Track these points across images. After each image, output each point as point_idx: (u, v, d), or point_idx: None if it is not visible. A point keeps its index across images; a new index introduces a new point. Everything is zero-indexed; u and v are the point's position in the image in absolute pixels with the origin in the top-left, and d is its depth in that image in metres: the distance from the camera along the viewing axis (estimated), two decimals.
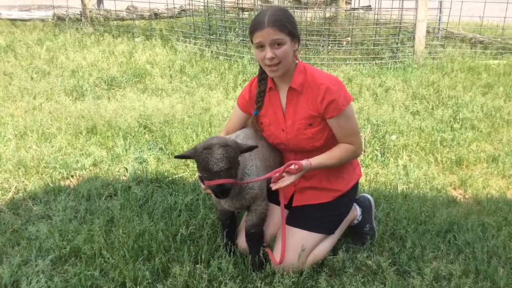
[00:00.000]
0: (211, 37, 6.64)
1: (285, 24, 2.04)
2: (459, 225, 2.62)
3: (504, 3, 6.67)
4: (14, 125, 3.89)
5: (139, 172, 3.23)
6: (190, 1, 7.08)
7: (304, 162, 2.07)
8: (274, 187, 2.07)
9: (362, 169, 3.24)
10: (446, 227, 2.61)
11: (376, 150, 3.64)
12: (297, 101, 2.19)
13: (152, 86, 5.11)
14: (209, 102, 4.54)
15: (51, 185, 3.06)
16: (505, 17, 6.59)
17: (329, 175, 2.30)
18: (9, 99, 4.55)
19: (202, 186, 2.11)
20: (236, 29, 6.76)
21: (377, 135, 3.84)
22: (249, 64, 5.68)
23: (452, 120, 4.21)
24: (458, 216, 2.73)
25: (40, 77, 5.18)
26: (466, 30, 7.32)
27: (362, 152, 3.39)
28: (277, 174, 2.05)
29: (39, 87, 4.82)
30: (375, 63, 5.96)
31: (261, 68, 2.20)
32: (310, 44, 6.53)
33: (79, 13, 7.36)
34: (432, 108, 4.51)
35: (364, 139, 3.73)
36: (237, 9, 7.52)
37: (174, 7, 7.52)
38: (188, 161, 3.28)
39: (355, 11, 7.97)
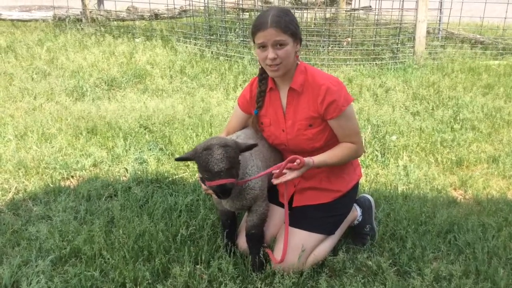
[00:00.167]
0: (212, 37, 6.64)
1: (288, 25, 2.04)
2: (459, 226, 2.62)
3: (504, 4, 6.67)
4: (14, 125, 3.89)
5: (139, 172, 3.23)
6: (191, 2, 7.09)
7: (306, 159, 2.07)
8: (275, 181, 2.07)
9: (363, 170, 3.24)
10: (446, 227, 2.61)
11: (377, 150, 3.64)
12: (298, 102, 2.19)
13: (152, 86, 5.11)
14: (209, 103, 4.54)
15: (51, 185, 3.06)
16: (505, 18, 6.58)
17: (329, 176, 2.30)
18: (10, 99, 4.55)
19: (203, 187, 2.11)
20: (237, 30, 6.75)
21: (377, 136, 3.84)
22: (250, 64, 5.69)
23: (452, 120, 4.21)
24: (459, 217, 2.73)
25: (40, 78, 5.18)
26: (466, 31, 7.32)
27: (364, 152, 3.39)
28: (278, 171, 2.05)
29: (40, 87, 4.83)
30: (375, 63, 5.96)
31: (262, 68, 2.20)
32: (310, 45, 6.53)
33: (80, 13, 7.36)
34: (433, 109, 4.51)
35: (365, 139, 3.73)
36: (237, 9, 7.52)
37: (175, 8, 7.53)
38: (188, 162, 3.28)
39: (355, 12, 7.97)
